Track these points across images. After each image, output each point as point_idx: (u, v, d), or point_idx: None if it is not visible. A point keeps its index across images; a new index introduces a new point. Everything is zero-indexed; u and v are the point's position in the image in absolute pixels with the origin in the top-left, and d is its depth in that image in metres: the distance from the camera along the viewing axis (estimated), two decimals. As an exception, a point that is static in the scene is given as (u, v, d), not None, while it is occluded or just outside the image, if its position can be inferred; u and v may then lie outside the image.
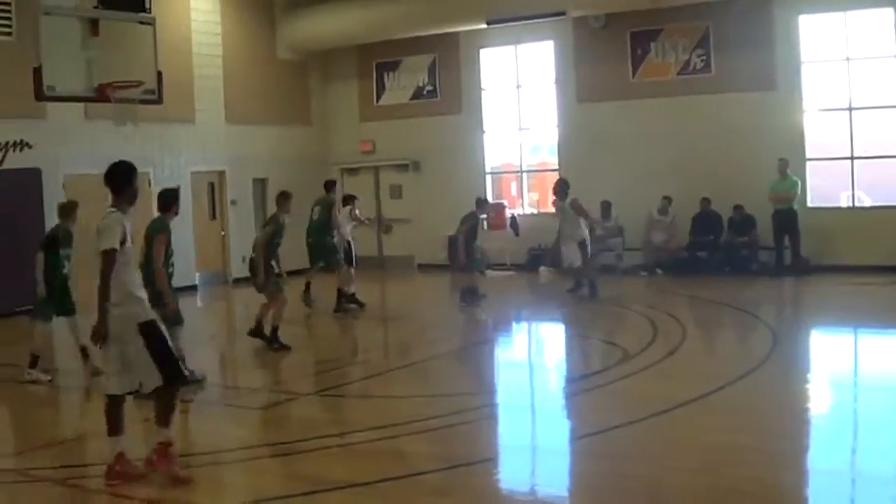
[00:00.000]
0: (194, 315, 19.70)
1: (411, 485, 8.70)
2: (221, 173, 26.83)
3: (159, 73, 17.30)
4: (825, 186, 24.20)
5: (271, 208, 27.56)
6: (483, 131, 28.51)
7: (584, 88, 26.46)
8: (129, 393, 8.81)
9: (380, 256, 29.62)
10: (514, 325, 19.43)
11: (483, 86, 28.50)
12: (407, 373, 13.89)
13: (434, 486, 8.68)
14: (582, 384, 12.77)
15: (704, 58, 24.85)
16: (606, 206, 25.10)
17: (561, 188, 20.84)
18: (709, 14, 24.41)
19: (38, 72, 15.70)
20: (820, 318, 18.69)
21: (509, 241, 26.38)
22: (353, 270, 20.55)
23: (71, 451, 9.85)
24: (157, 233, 12.83)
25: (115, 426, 8.79)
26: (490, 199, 27.74)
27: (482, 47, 28.26)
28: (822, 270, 22.57)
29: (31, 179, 21.56)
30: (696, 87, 24.77)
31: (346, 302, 19.93)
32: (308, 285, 20.37)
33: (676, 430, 10.12)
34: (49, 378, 14.11)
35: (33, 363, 14.13)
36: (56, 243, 14.66)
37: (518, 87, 28.10)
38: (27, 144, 21.82)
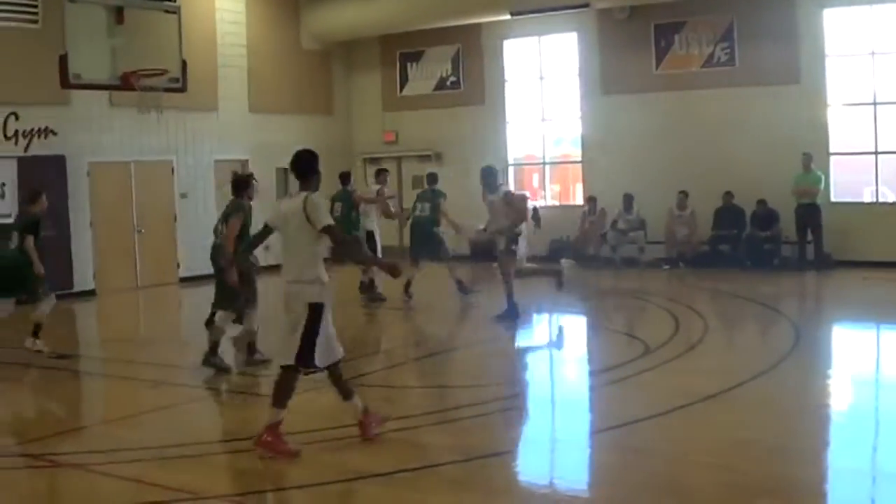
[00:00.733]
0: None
1: (431, 476, 8.73)
2: (244, 162, 26.87)
3: (184, 62, 17.35)
4: (848, 181, 24.12)
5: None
6: (506, 122, 28.53)
7: (608, 80, 26.41)
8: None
9: (401, 247, 29.61)
10: (535, 316, 19.40)
11: (506, 77, 28.50)
12: (427, 364, 13.91)
13: (454, 478, 8.70)
14: (603, 377, 12.75)
15: (728, 51, 24.77)
16: (628, 199, 25.08)
17: (486, 178, 17.94)
18: (733, 7, 24.37)
19: (63, 59, 15.76)
20: (842, 313, 18.63)
21: (531, 233, 26.36)
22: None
23: (91, 437, 9.89)
24: (233, 214, 13.42)
25: (279, 397, 9.40)
26: (512, 189, 27.77)
27: (506, 38, 28.25)
28: (845, 265, 22.49)
29: (55, 166, 21.65)
30: (720, 80, 24.68)
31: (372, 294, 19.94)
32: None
33: (697, 425, 10.11)
34: (49, 350, 14.30)
35: (36, 332, 14.43)
36: (38, 228, 14.80)
37: (541, 78, 28.09)
38: (52, 131, 21.93)
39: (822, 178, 22.99)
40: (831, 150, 23.69)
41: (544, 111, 28.20)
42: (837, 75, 23.70)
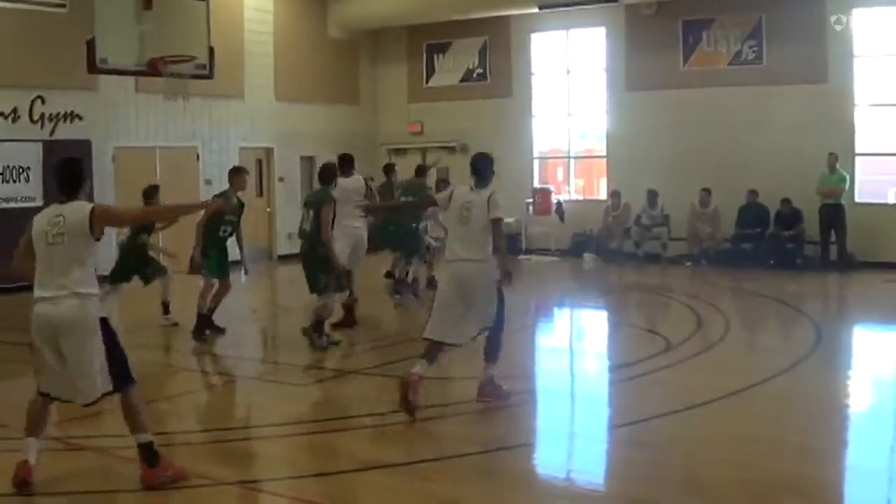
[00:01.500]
0: (239, 290, 19.79)
1: (451, 466, 8.72)
2: (269, 150, 26.94)
3: (211, 49, 17.42)
4: (874, 182, 24.07)
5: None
6: (532, 116, 28.52)
7: (634, 76, 26.37)
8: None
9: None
10: (557, 310, 19.40)
11: (533, 70, 28.49)
12: (449, 354, 13.91)
13: (473, 469, 8.71)
14: (623, 372, 12.73)
15: (756, 49, 24.72)
16: (653, 195, 25.05)
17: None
18: (762, 4, 24.29)
19: (91, 44, 15.84)
20: (864, 314, 18.58)
21: (554, 227, 26.37)
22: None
23: (113, 421, 9.92)
24: (324, 203, 13.79)
25: (493, 354, 11.19)
26: (536, 183, 27.78)
27: (533, 32, 28.24)
28: (868, 266, 22.44)
29: (80, 151, 21.68)
30: (747, 78, 24.62)
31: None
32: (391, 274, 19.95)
33: (716, 423, 10.09)
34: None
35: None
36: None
37: (568, 72, 28.07)
38: (78, 116, 22.00)
39: (847, 178, 22.94)
40: (857, 150, 23.63)
41: (570, 105, 28.16)
42: (865, 75, 23.63)
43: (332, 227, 13.88)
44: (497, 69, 28.91)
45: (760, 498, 7.84)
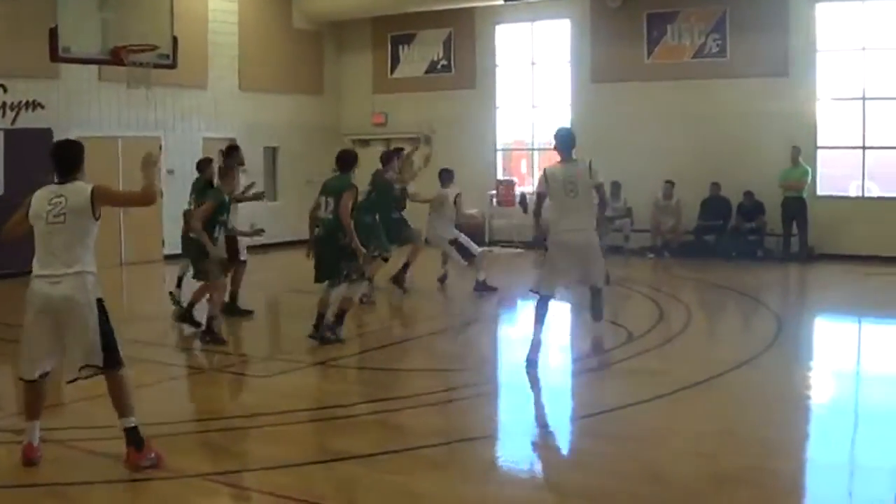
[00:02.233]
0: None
1: (411, 458, 8.74)
2: (233, 140, 26.84)
3: (174, 38, 17.36)
4: (835, 175, 24.21)
5: (283, 176, 27.74)
6: (496, 108, 28.55)
7: (599, 68, 26.43)
8: None
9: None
10: (520, 302, 19.43)
11: (497, 62, 28.53)
12: (410, 346, 13.93)
13: (433, 460, 8.72)
14: (585, 364, 12.82)
15: (720, 42, 24.82)
16: (616, 187, 25.09)
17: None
18: (727, -2, 24.43)
19: (53, 32, 15.77)
20: (825, 306, 18.71)
21: (518, 219, 26.41)
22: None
23: (73, 413, 9.89)
24: (346, 190, 13.55)
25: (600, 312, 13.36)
26: (500, 175, 27.81)
27: (498, 23, 28.27)
28: (829, 259, 22.60)
29: (42, 139, 21.56)
30: (711, 72, 24.74)
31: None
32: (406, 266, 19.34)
33: (678, 414, 10.15)
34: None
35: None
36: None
37: (532, 64, 28.11)
38: (40, 105, 21.88)
39: (809, 171, 23.08)
40: (819, 143, 23.77)
41: (535, 97, 28.19)
42: (827, 69, 23.78)
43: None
44: (461, 61, 28.92)
45: (722, 489, 7.88)
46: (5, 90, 21.28)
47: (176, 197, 24.03)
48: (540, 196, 12.61)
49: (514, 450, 9.35)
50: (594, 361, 12.81)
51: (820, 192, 23.70)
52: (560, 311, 18.57)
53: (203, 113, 26.07)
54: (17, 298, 8.87)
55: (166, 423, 9.63)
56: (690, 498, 7.77)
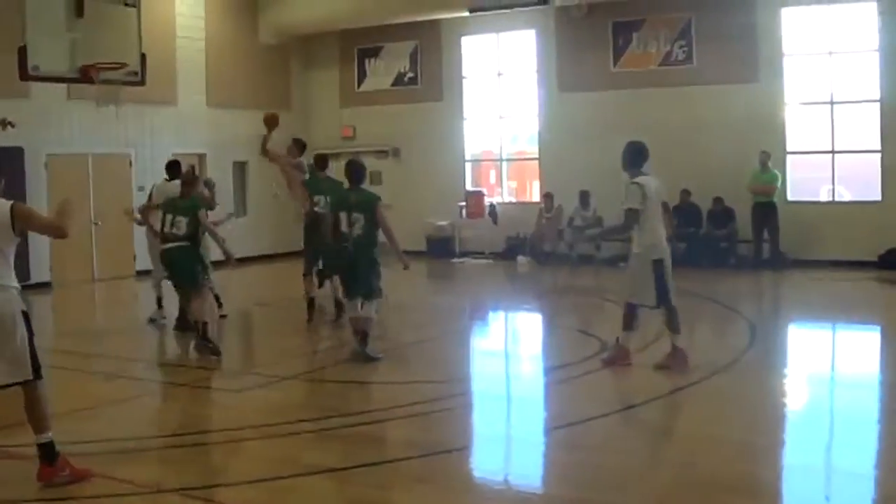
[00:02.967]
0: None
1: (387, 471, 8.72)
2: (202, 156, 26.81)
3: (143, 56, 17.32)
4: (805, 180, 24.31)
5: (252, 191, 27.73)
6: (463, 119, 28.58)
7: (566, 78, 26.50)
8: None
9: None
10: (491, 314, 19.45)
11: (464, 73, 28.56)
12: (383, 359, 13.91)
13: (409, 473, 8.68)
14: (558, 374, 12.78)
15: (686, 49, 24.93)
16: (585, 196, 25.16)
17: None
18: (691, 5, 24.48)
19: (22, 51, 15.71)
20: (798, 312, 18.76)
21: (487, 230, 26.45)
22: None
23: (56, 428, 9.86)
24: (376, 203, 13.78)
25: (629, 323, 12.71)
26: (469, 186, 27.83)
27: (464, 35, 28.31)
28: (801, 264, 22.66)
29: (13, 158, 21.55)
30: (678, 79, 24.84)
31: None
32: None
33: (653, 423, 10.17)
34: None
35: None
36: None
37: (499, 75, 28.16)
38: (10, 123, 21.81)
39: (779, 176, 23.16)
40: (788, 148, 23.88)
41: (502, 108, 28.23)
42: (795, 74, 23.90)
43: None
44: (428, 73, 28.96)
45: (700, 497, 7.87)
46: (-25, 110, 21.28)
47: (146, 214, 24.00)
48: (638, 213, 12.69)
49: (488, 462, 9.34)
50: (567, 371, 12.78)
51: (791, 197, 23.75)
52: (533, 321, 18.65)
53: (172, 129, 26.02)
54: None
55: (141, 437, 9.61)
56: (669, 506, 7.80)
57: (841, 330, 16.56)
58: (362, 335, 13.43)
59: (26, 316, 8.27)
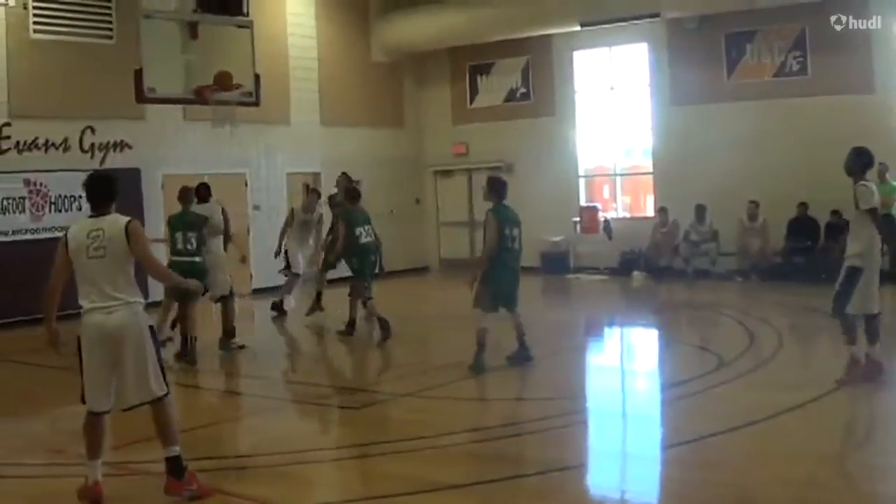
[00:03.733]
0: (296, 312, 19.94)
1: (507, 488, 8.70)
2: (316, 175, 27.03)
3: (257, 76, 17.47)
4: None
5: (368, 208, 28.02)
6: (576, 134, 28.47)
7: (678, 91, 26.31)
8: None
9: (472, 259, 29.71)
10: (607, 329, 19.37)
11: (576, 88, 28.47)
12: (499, 376, 13.90)
13: (529, 490, 8.71)
14: (675, 391, 12.68)
15: (801, 60, 24.62)
16: (701, 210, 24.96)
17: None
18: (804, 15, 24.15)
19: (138, 74, 15.94)
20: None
21: (602, 245, 26.35)
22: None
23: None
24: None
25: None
26: (583, 202, 27.74)
27: (575, 50, 28.22)
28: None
29: (130, 179, 21.91)
30: (793, 90, 24.50)
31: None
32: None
33: (771, 440, 10.02)
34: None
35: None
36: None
37: (611, 89, 28.05)
38: (127, 145, 22.34)
39: (898, 188, 22.76)
40: (906, 160, 23.45)
41: (615, 122, 28.14)
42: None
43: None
44: (540, 88, 28.93)
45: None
46: (93, 131, 21.75)
47: (261, 232, 24.30)
48: (877, 211, 13.50)
49: (605, 479, 9.33)
50: (684, 388, 12.67)
51: (909, 209, 23.34)
52: (649, 337, 18.52)
53: (286, 149, 26.29)
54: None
55: (262, 454, 9.72)
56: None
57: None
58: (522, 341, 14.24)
59: (152, 330, 8.47)
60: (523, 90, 29.35)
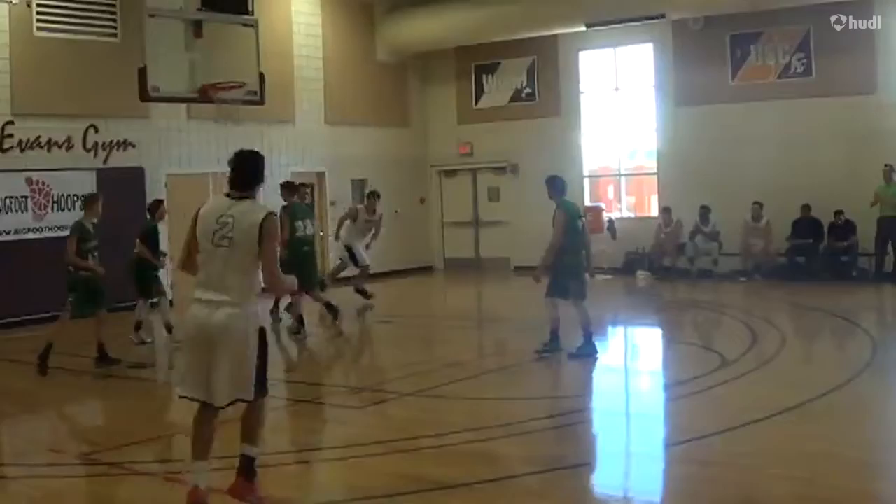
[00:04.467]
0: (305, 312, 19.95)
1: (508, 487, 8.73)
2: (321, 174, 27.02)
3: (261, 75, 17.46)
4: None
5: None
6: (581, 134, 28.47)
7: (683, 92, 26.31)
8: None
9: (476, 258, 29.73)
10: (611, 329, 19.36)
11: (581, 88, 28.48)
12: (502, 375, 13.90)
13: (531, 489, 8.70)
14: (678, 390, 12.68)
15: (805, 61, 24.65)
16: (705, 211, 24.95)
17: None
18: (809, 17, 24.14)
19: (142, 73, 15.94)
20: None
21: (606, 245, 26.32)
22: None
23: (167, 447, 9.99)
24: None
25: None
26: (587, 202, 27.71)
27: (581, 50, 28.25)
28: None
29: (134, 178, 21.92)
30: (797, 91, 24.53)
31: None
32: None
33: (774, 439, 10.01)
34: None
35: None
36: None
37: (616, 89, 28.06)
38: (131, 144, 22.28)
39: (905, 189, 22.75)
40: (911, 161, 23.45)
41: (619, 122, 28.13)
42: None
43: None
44: (545, 88, 28.94)
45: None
46: (97, 130, 21.69)
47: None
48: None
49: (608, 478, 9.33)
50: (687, 387, 12.66)
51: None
52: (653, 336, 18.52)
53: (290, 147, 26.26)
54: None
55: (264, 453, 9.72)
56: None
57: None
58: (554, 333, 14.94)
59: (262, 333, 7.85)
60: (529, 90, 29.36)
